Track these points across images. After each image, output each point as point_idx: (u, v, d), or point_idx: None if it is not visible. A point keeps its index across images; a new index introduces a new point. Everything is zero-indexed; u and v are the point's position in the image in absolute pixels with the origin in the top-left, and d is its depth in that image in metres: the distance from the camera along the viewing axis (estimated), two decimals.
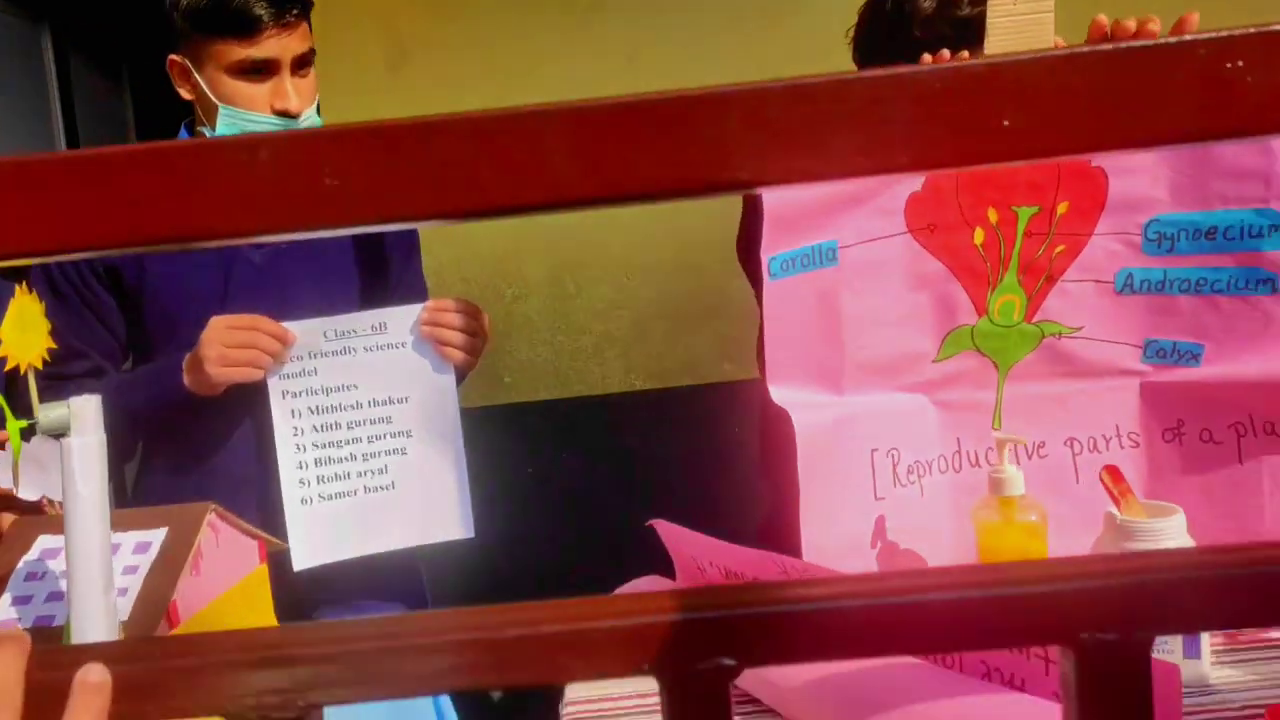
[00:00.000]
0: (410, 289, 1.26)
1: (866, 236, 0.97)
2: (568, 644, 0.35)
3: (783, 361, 0.98)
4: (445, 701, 1.09)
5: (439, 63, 1.98)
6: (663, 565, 1.00)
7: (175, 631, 0.77)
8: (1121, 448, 1.02)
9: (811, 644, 0.36)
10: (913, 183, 0.96)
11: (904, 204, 0.97)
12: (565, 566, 1.89)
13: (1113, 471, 0.83)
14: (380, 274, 1.23)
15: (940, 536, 1.02)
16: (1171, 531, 0.78)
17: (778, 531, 0.98)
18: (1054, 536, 0.90)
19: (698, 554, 0.96)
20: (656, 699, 0.35)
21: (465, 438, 2.14)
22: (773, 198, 0.91)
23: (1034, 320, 1.01)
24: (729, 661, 0.35)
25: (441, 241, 1.99)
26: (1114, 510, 0.82)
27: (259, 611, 0.94)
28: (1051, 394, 1.03)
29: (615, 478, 2.03)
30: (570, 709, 0.88)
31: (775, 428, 1.06)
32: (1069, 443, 1.03)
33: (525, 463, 2.06)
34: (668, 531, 0.96)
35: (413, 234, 1.33)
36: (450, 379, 1.14)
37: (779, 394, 0.97)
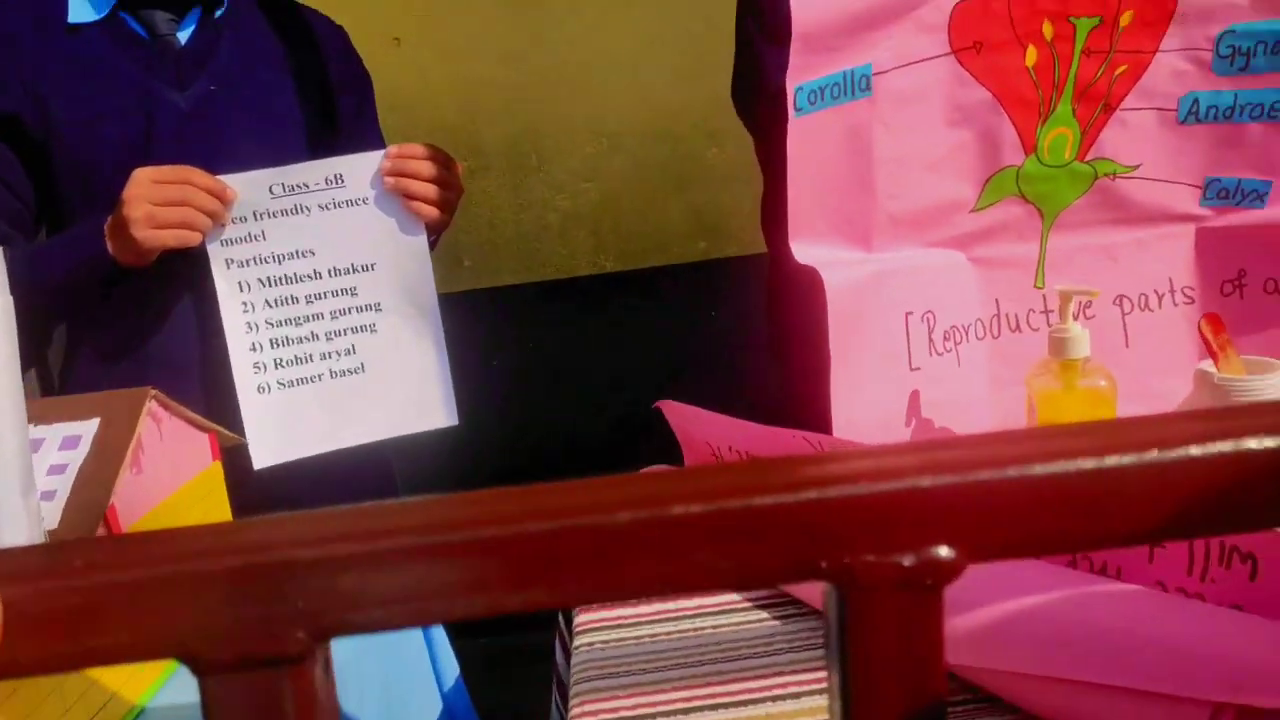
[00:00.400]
0: (364, 141, 1.09)
1: (906, 59, 0.83)
2: (711, 533, 0.23)
3: (809, 213, 0.85)
4: (438, 630, 0.98)
5: None
6: (661, 457, 0.89)
7: None
8: (1175, 304, 0.92)
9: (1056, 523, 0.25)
10: None
11: (949, 17, 0.83)
12: (543, 463, 1.78)
13: (1213, 321, 0.73)
14: (329, 121, 1.06)
15: (977, 412, 0.92)
16: (1275, 390, 0.68)
17: (793, 418, 0.87)
18: None
19: (711, 436, 0.85)
20: (679, 607, 0.23)
21: None
22: (801, 8, 0.77)
23: (1087, 158, 0.90)
24: (946, 552, 0.23)
25: (384, 106, 1.79)
26: (1209, 368, 0.72)
27: (215, 517, 0.81)
28: (1100, 244, 0.92)
29: (587, 367, 1.91)
30: (583, 618, 0.78)
31: (792, 298, 0.94)
32: (1118, 301, 0.93)
33: (489, 353, 1.92)
34: (675, 413, 0.85)
35: (363, 76, 1.16)
36: (422, 240, 1.00)
37: (804, 251, 0.85)
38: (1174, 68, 0.87)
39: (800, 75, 0.80)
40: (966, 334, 0.92)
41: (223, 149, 0.96)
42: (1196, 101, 0.88)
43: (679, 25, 1.70)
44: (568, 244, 1.92)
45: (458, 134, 1.84)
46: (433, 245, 1.04)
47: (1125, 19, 0.85)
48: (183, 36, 0.98)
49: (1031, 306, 0.93)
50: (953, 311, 0.91)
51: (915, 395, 0.90)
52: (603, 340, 1.90)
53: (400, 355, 0.99)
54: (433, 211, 0.98)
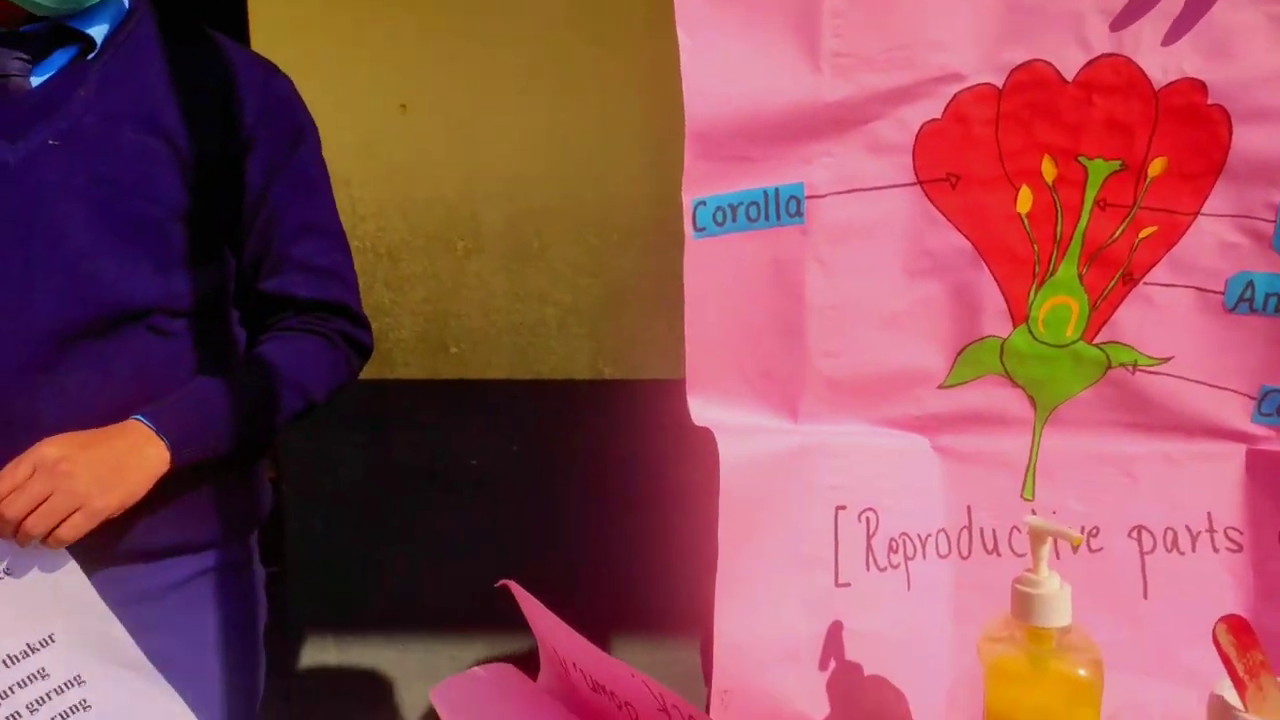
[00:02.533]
0: (285, 207, 0.88)
1: (852, 184, 0.64)
2: None
3: (714, 361, 0.65)
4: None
5: None
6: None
7: None
8: (1215, 549, 0.68)
9: None
10: (931, 105, 0.63)
11: (915, 137, 0.63)
12: (480, 584, 1.58)
13: (1236, 626, 0.49)
14: (224, 186, 0.86)
15: (933, 659, 0.68)
16: None
17: None
18: (1112, 674, 0.57)
19: (559, 646, 0.64)
20: None
21: (400, 413, 1.83)
22: (699, 101, 0.58)
23: (1097, 340, 0.67)
24: None
25: (380, 177, 1.67)
26: (1233, 699, 0.48)
27: None
28: (1114, 453, 0.69)
29: (571, 482, 1.71)
30: None
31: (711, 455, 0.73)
32: (1135, 533, 0.69)
33: (467, 453, 1.74)
34: (526, 602, 0.65)
35: (297, 131, 0.91)
36: (77, 576, 0.78)
37: (702, 409, 0.65)
38: (1221, 238, 0.64)
39: (701, 186, 0.61)
40: (923, 547, 0.69)
41: (44, 214, 0.80)
42: (1251, 285, 0.65)
43: None
44: (566, 342, 1.74)
45: (456, 211, 1.69)
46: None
47: (1156, 167, 0.63)
48: (36, 80, 0.84)
49: (1016, 523, 0.70)
50: (905, 515, 0.69)
51: (838, 626, 0.67)
52: (590, 453, 1.70)
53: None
54: (70, 531, 0.75)
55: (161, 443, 0.80)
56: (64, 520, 0.76)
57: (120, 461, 0.78)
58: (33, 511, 0.75)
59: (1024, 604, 0.54)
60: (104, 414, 0.80)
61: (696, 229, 0.61)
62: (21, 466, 0.76)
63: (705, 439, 0.65)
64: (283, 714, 1.68)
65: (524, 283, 1.73)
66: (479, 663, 0.69)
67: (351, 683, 1.71)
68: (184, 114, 0.87)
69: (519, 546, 1.73)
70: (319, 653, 1.73)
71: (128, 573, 0.85)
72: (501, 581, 0.65)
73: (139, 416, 0.81)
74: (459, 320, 1.75)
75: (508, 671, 0.68)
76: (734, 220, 0.62)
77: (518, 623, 0.68)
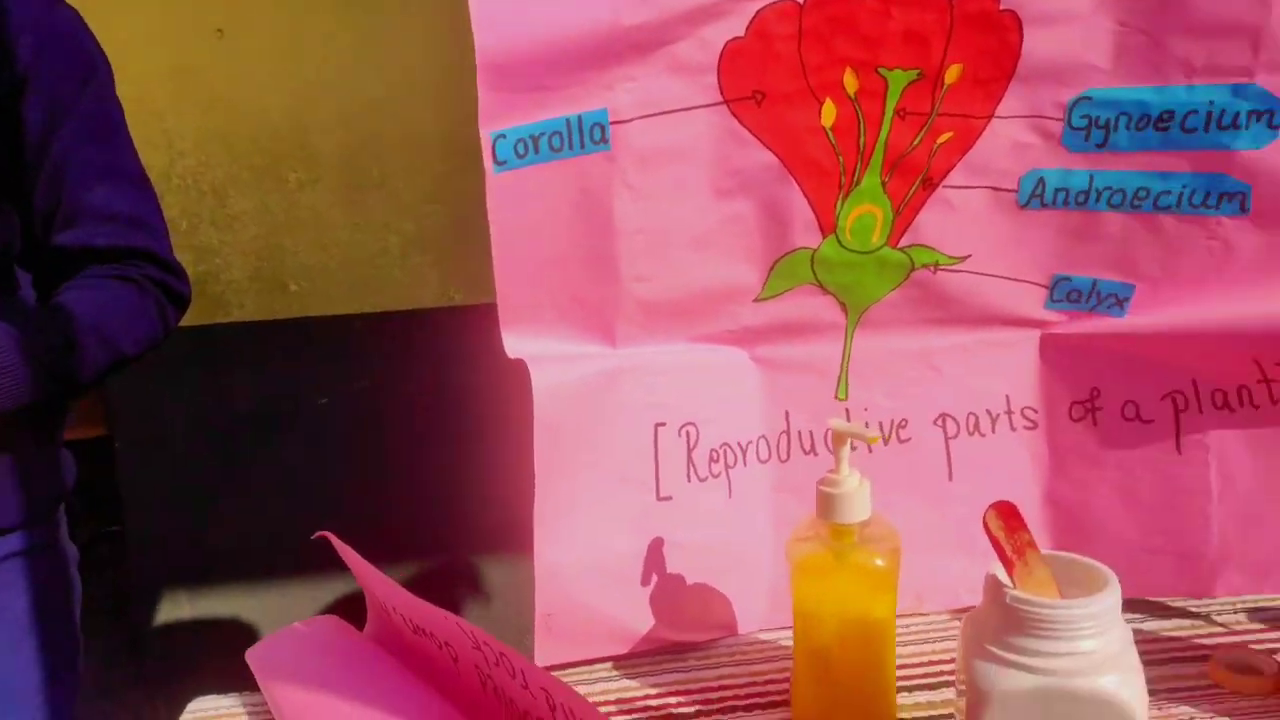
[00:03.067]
0: (86, 183, 0.81)
1: (656, 107, 0.63)
2: None
3: (526, 296, 0.65)
4: None
5: None
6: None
7: None
8: (1013, 429, 0.73)
9: None
10: (733, 23, 0.63)
11: (719, 56, 0.63)
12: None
13: (1006, 513, 0.53)
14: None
15: (754, 563, 0.72)
16: (1098, 620, 0.49)
17: None
18: (919, 556, 0.61)
19: (378, 591, 0.65)
20: None
21: (238, 357, 1.75)
22: (490, 32, 0.57)
23: (901, 244, 0.70)
24: None
25: (199, 109, 1.56)
26: (1003, 576, 0.52)
27: None
28: (919, 349, 0.73)
29: (428, 413, 1.69)
30: None
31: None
32: (940, 421, 0.73)
33: (316, 390, 1.70)
34: (344, 552, 0.65)
35: (84, 68, 0.82)
36: None
37: (517, 344, 0.65)
38: (1014, 138, 0.67)
39: (498, 119, 0.59)
40: (743, 455, 0.72)
41: None
42: (1042, 181, 0.69)
43: None
44: (410, 272, 1.70)
45: (286, 141, 1.61)
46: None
47: (951, 75, 0.65)
48: None
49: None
50: (726, 425, 0.72)
51: (659, 541, 0.69)
52: (450, 381, 1.68)
53: None
54: None
55: None
56: None
57: None
58: None
59: (826, 503, 0.58)
60: None
61: (497, 163, 0.60)
62: None
63: None
64: (137, 674, 1.65)
65: (364, 213, 1.67)
66: (337, 602, 0.69)
67: (209, 635, 1.68)
68: None
69: (376, 483, 1.71)
70: (173, 609, 1.69)
71: None
72: (319, 533, 0.65)
73: None
74: (295, 257, 1.68)
75: (331, 623, 0.68)
76: (536, 152, 0.61)
77: None
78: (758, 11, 0.63)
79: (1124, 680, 0.48)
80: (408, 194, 1.65)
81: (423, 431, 1.70)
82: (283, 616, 1.70)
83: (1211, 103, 0.65)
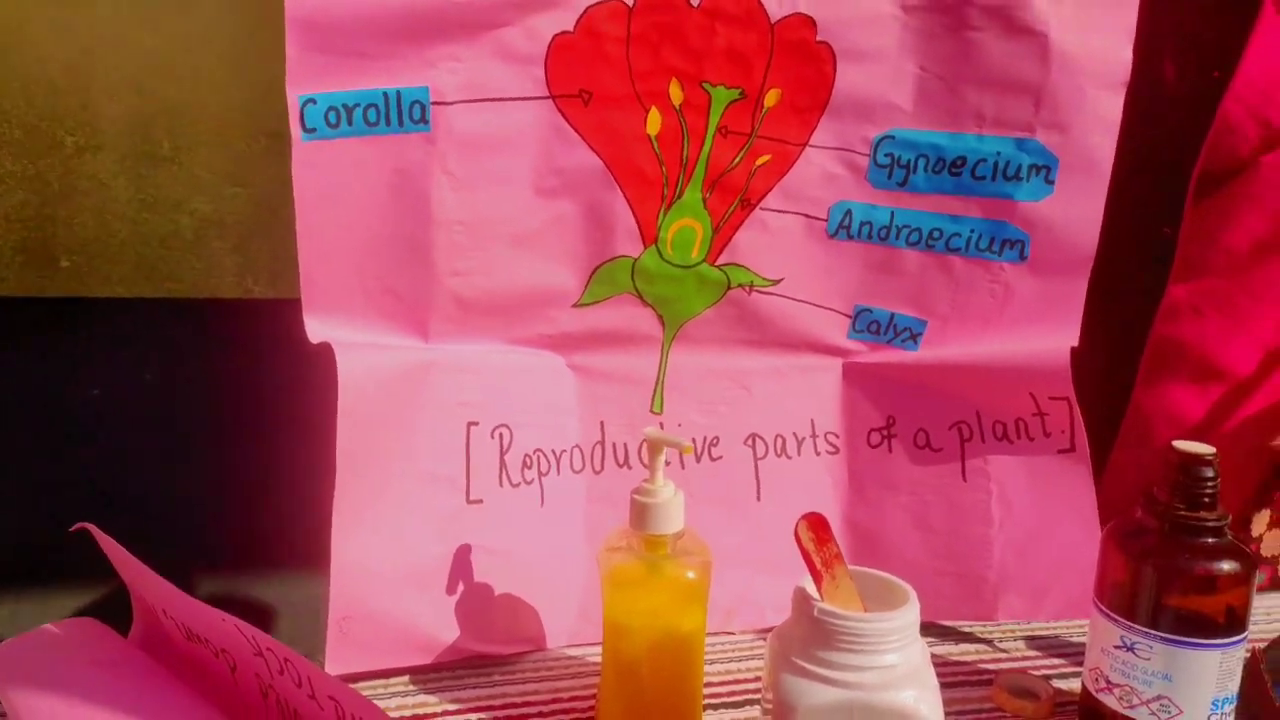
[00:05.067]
0: None
1: (481, 93, 0.61)
2: None
3: (328, 278, 0.61)
4: None
5: None
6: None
7: None
8: (816, 452, 0.75)
9: None
10: (562, 16, 0.62)
11: (547, 49, 0.62)
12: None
13: (816, 525, 0.54)
14: None
15: (565, 573, 0.69)
16: (900, 635, 0.49)
17: None
18: (727, 573, 0.61)
19: (148, 593, 0.57)
20: None
21: (1, 334, 1.56)
22: None
23: (719, 261, 0.71)
24: None
25: None
26: (811, 590, 0.52)
27: None
28: (732, 369, 0.73)
29: (209, 413, 1.55)
30: None
31: None
32: (750, 440, 0.74)
33: (88, 379, 1.52)
34: (108, 547, 0.57)
35: None
36: None
37: (320, 329, 0.60)
38: (825, 168, 0.70)
39: (308, 82, 0.55)
40: (557, 463, 0.70)
41: None
42: (849, 213, 0.71)
43: None
44: (206, 258, 1.57)
45: (64, 100, 1.45)
46: None
47: (771, 98, 0.67)
48: None
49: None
50: (540, 430, 0.69)
51: (467, 547, 0.66)
52: (237, 379, 1.56)
53: None
54: None
55: None
56: None
57: None
58: None
59: (640, 513, 0.56)
60: None
61: (306, 130, 0.56)
62: None
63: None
64: None
65: (153, 188, 1.52)
66: (86, 610, 0.61)
67: None
68: None
69: (150, 483, 1.55)
70: None
71: None
72: (78, 525, 0.57)
73: None
74: (70, 229, 1.51)
75: (87, 625, 0.59)
76: (350, 123, 0.57)
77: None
78: (587, 8, 0.62)
79: (921, 696, 0.49)
80: (204, 173, 1.53)
81: (208, 431, 1.56)
82: (26, 625, 1.50)
83: (999, 153, 0.70)
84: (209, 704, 0.52)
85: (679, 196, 0.68)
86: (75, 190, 1.52)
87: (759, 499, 0.74)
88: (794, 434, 0.75)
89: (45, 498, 1.50)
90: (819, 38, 0.66)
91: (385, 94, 0.58)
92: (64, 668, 0.54)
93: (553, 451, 0.70)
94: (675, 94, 0.65)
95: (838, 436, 0.75)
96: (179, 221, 1.55)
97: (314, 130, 0.56)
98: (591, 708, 0.62)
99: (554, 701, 0.63)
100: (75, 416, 1.55)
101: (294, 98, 0.55)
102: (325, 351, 0.62)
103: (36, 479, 1.50)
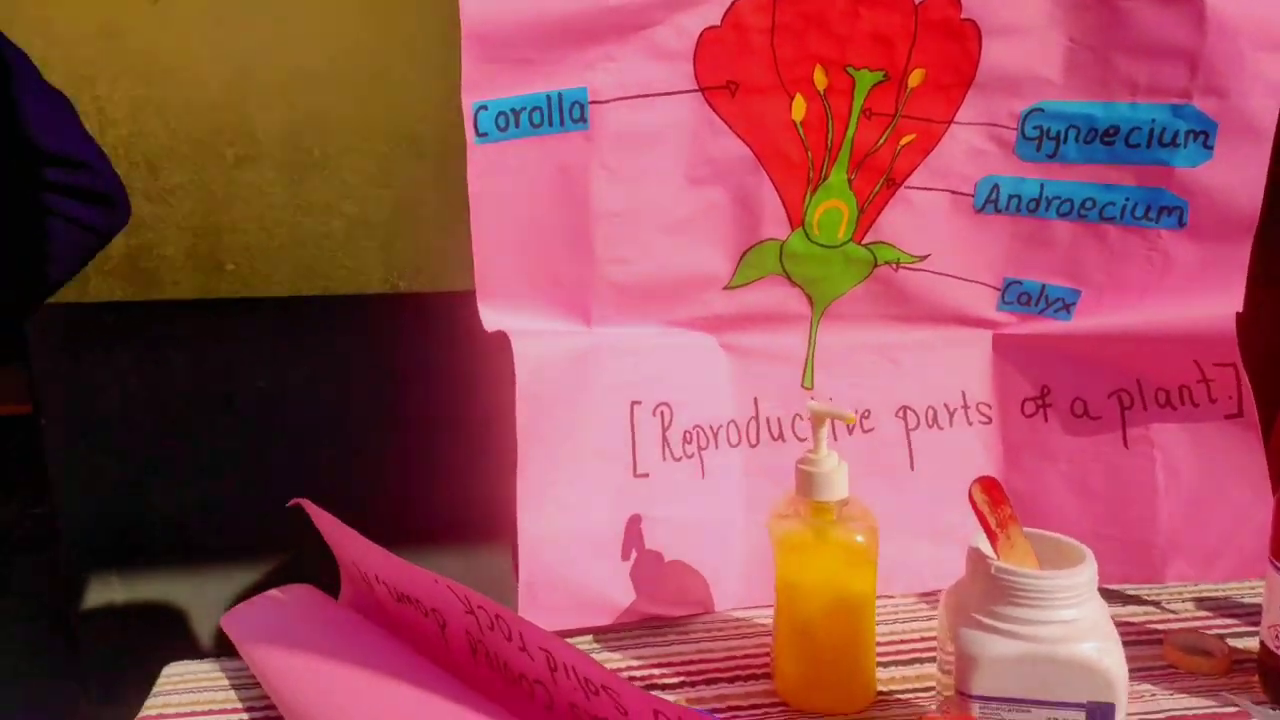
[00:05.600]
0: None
1: (635, 90, 0.65)
2: None
3: (504, 269, 0.66)
4: None
5: None
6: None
7: None
8: (969, 423, 0.76)
9: None
10: (709, 11, 0.64)
11: (695, 44, 0.65)
12: (261, 521, 1.53)
13: (990, 488, 0.55)
14: None
15: (728, 541, 0.73)
16: (1077, 591, 0.51)
17: None
18: (886, 540, 0.63)
19: (360, 560, 0.64)
20: None
21: (172, 335, 1.71)
22: (472, 1, 0.57)
23: (865, 240, 0.72)
24: None
25: (137, 77, 1.52)
26: (987, 549, 0.54)
27: None
28: (880, 344, 0.75)
29: (368, 399, 1.66)
30: None
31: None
32: (901, 413, 0.75)
33: (254, 373, 1.66)
34: (321, 519, 0.64)
35: (7, 76, 0.80)
36: None
37: (493, 317, 0.65)
38: (971, 144, 0.70)
39: (481, 89, 0.60)
40: (714, 438, 0.74)
41: None
42: (996, 188, 0.72)
43: None
44: (355, 256, 1.67)
45: (224, 114, 1.57)
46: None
47: (915, 79, 0.68)
48: None
49: (799, 411, 0.75)
50: (698, 408, 0.73)
51: (636, 518, 0.70)
52: (385, 370, 1.66)
53: None
54: None
55: None
56: None
57: None
58: None
59: (806, 481, 0.59)
60: None
61: (479, 134, 0.60)
62: None
63: (501, 352, 0.66)
64: (70, 660, 1.59)
65: (306, 194, 1.64)
66: (278, 584, 0.68)
67: (143, 620, 1.62)
68: None
69: (316, 467, 1.68)
70: (104, 592, 1.63)
71: None
72: (294, 500, 0.64)
73: None
74: (234, 235, 1.64)
75: (307, 591, 0.67)
76: (517, 126, 0.62)
77: (312, 545, 0.67)
78: (733, 2, 0.65)
79: (1104, 648, 0.50)
80: (352, 176, 1.63)
81: (364, 418, 1.68)
82: (218, 599, 1.66)
83: (1153, 121, 0.69)
84: (421, 657, 0.58)
85: (824, 179, 0.70)
86: (237, 198, 1.65)
87: (913, 469, 0.75)
88: (945, 405, 0.76)
89: (220, 483, 1.65)
90: (964, 16, 0.67)
91: (548, 96, 0.62)
92: (294, 627, 0.61)
93: (710, 427, 0.73)
94: (819, 80, 0.67)
95: (990, 407, 0.76)
96: (330, 224, 1.66)
97: (486, 134, 0.61)
98: (765, 665, 0.65)
99: (728, 658, 0.66)
100: (245, 407, 1.69)
101: (468, 105, 0.60)
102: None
103: (212, 465, 1.65)
